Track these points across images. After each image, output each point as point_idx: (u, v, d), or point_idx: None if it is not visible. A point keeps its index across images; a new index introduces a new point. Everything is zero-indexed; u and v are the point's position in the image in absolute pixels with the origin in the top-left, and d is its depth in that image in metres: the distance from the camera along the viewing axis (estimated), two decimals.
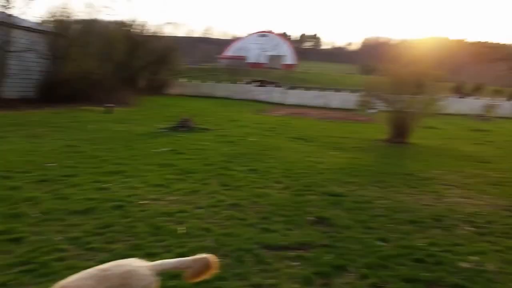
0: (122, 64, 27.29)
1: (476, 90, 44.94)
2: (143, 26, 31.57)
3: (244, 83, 37.11)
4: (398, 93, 13.88)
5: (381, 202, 6.25)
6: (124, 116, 16.80)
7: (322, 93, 32.41)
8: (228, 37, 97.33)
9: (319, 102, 30.36)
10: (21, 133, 10.96)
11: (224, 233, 4.60)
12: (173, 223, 4.83)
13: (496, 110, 28.87)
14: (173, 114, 17.18)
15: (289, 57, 65.49)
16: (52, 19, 22.93)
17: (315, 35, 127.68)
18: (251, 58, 61.99)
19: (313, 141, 12.76)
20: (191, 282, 2.73)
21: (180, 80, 36.08)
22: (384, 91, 14.46)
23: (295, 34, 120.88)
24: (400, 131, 13.57)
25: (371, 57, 68.48)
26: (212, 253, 2.75)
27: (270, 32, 68.14)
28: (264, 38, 64.84)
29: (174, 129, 13.34)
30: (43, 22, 22.88)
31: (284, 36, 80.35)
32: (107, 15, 48.37)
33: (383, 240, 4.67)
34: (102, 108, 18.09)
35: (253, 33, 66.56)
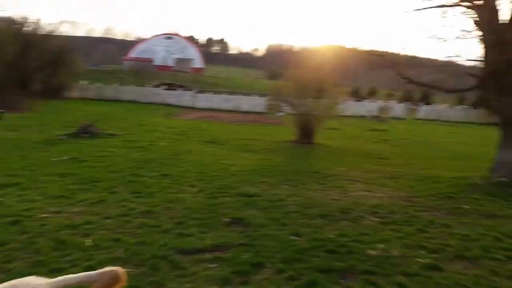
0: (13, 65, 24.54)
1: (371, 94, 49.32)
2: (36, 24, 28.79)
3: (152, 86, 35.88)
4: (301, 97, 14.64)
5: (293, 200, 6.45)
6: (17, 123, 15.11)
7: (232, 97, 32.75)
8: (131, 38, 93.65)
9: (229, 105, 30.63)
10: None
11: (136, 242, 4.34)
12: (78, 236, 4.43)
13: (389, 112, 31.95)
14: (73, 119, 15.91)
15: (197, 61, 65.02)
16: None
17: (222, 39, 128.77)
18: (158, 61, 60.24)
19: (225, 144, 12.79)
20: None
21: (81, 82, 33.63)
22: (289, 95, 15.15)
23: (202, 38, 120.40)
24: (306, 132, 14.26)
25: (276, 63, 71.20)
26: (124, 263, 2.54)
27: (176, 34, 66.89)
28: (170, 40, 63.39)
29: (75, 135, 12.35)
30: None
31: (191, 39, 79.61)
32: None
33: (297, 235, 4.82)
34: None
35: (159, 35, 64.69)
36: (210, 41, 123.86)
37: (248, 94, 34.05)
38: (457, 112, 34.19)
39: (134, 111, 24.28)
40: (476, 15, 8.75)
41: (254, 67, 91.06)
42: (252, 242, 4.51)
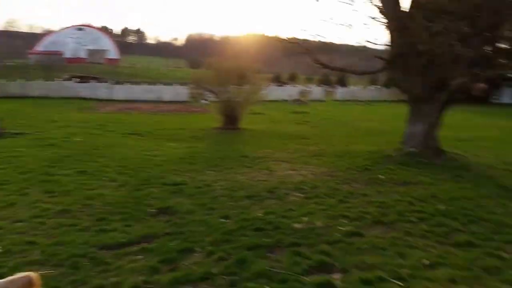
0: None
1: (292, 79, 50.72)
2: None
3: (62, 80, 33.31)
4: (224, 84, 14.61)
5: (221, 184, 6.43)
6: None
7: (152, 87, 31.58)
8: (37, 31, 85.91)
9: (151, 96, 29.53)
10: None
11: (53, 243, 4.03)
12: None
13: (309, 95, 33.14)
14: None
15: (112, 52, 61.69)
16: None
17: (138, 29, 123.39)
18: (68, 53, 56.09)
19: (148, 135, 12.35)
20: None
21: None
22: (211, 83, 15.04)
23: (116, 28, 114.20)
24: (231, 118, 14.30)
25: (197, 52, 70.11)
26: (40, 266, 2.33)
27: (88, 25, 62.73)
28: (81, 32, 59.24)
29: None
30: None
31: (104, 30, 75.17)
32: None
33: (225, 217, 4.82)
34: None
35: (69, 27, 60.18)
36: (125, 31, 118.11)
37: (170, 84, 33.12)
38: (370, 92, 36.52)
39: (44, 106, 22.36)
40: (380, 4, 9.35)
41: (174, 56, 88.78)
42: (179, 229, 4.42)
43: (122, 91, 30.25)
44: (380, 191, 6.18)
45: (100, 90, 30.14)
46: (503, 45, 9.62)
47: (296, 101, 28.94)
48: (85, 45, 58.46)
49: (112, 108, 22.47)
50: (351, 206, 5.34)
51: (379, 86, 38.57)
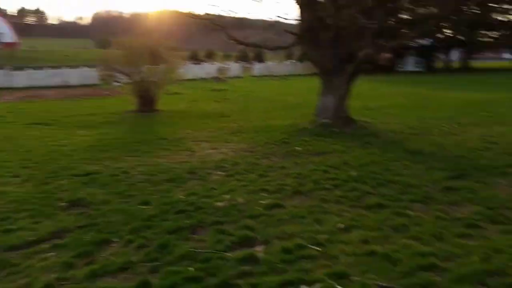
0: None
1: (209, 56, 50.06)
2: None
3: None
4: (136, 64, 13.89)
5: (139, 170, 6.18)
6: None
7: (57, 71, 29.02)
8: None
9: (56, 81, 27.15)
10: None
11: None
12: None
13: (227, 72, 33.02)
14: None
15: (8, 35, 55.39)
16: None
17: (37, 9, 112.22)
18: None
19: (55, 123, 11.39)
20: None
21: None
22: (122, 64, 14.21)
23: (11, 8, 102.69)
24: (146, 100, 13.71)
25: (105, 31, 65.81)
26: None
27: None
28: None
29: None
30: None
31: None
32: None
33: (145, 203, 4.66)
34: None
35: None
36: (22, 12, 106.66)
37: (76, 67, 30.74)
38: (286, 67, 37.44)
39: None
40: None
41: (79, 37, 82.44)
42: (94, 221, 4.18)
43: (23, 78, 27.47)
44: (297, 162, 6.41)
45: None
46: (405, 16, 10.37)
47: (215, 79, 28.70)
48: None
49: (11, 97, 20.30)
50: (271, 180, 5.47)
51: (294, 61, 39.67)
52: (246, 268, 3.15)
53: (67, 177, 5.83)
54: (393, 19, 10.28)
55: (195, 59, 43.35)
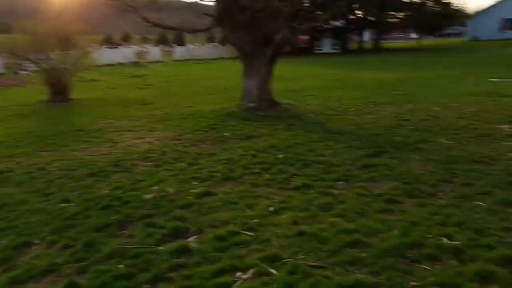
0: None
1: (125, 40, 47.63)
2: None
3: None
4: (43, 51, 12.76)
5: (57, 165, 5.78)
6: None
7: None
8: None
9: None
10: None
11: None
12: None
13: (147, 56, 31.71)
14: None
15: None
16: None
17: None
18: None
19: None
20: None
21: None
22: (27, 50, 12.97)
23: None
24: (58, 89, 12.71)
25: (4, 15, 59.31)
26: None
27: None
28: None
29: None
30: None
31: None
32: None
33: (66, 201, 4.38)
34: None
35: None
36: None
37: None
38: (208, 50, 36.97)
39: None
40: None
41: None
42: (11, 223, 3.85)
43: None
44: (226, 148, 6.43)
45: None
46: None
47: (134, 63, 27.48)
48: None
49: None
50: (201, 167, 5.43)
51: (216, 44, 39.27)
52: (179, 260, 3.12)
53: None
54: (307, 1, 10.56)
55: (110, 42, 41.01)
